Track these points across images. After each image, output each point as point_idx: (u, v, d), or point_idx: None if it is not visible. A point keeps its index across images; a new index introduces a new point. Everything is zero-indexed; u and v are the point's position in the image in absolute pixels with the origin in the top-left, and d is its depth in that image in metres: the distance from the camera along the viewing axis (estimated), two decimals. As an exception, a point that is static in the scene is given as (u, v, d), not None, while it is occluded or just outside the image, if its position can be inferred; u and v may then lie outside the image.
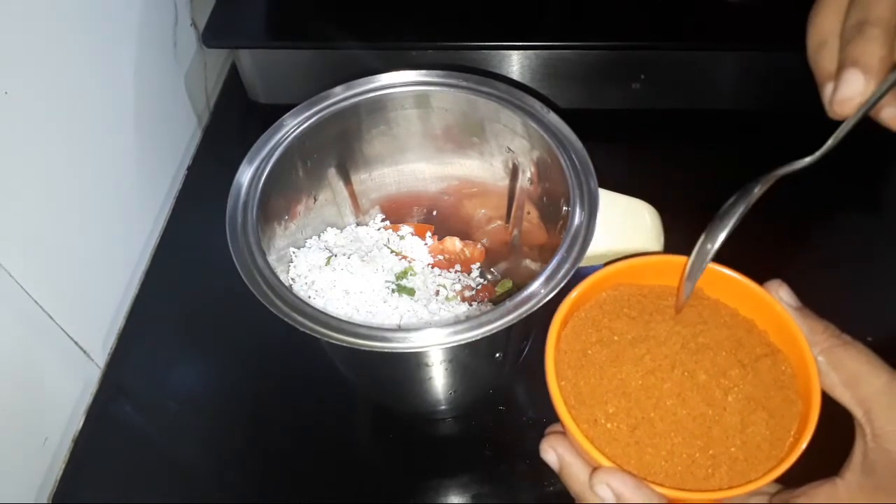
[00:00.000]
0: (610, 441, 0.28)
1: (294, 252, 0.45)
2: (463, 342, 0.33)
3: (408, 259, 0.48)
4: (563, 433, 0.30)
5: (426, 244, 0.50)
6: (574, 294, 0.31)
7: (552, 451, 0.29)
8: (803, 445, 0.27)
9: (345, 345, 0.33)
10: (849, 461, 0.27)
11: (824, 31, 0.29)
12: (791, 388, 0.29)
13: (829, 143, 0.29)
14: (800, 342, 0.28)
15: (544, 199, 0.43)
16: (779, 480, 0.28)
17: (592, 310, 0.32)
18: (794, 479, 0.28)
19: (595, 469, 0.27)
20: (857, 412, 0.27)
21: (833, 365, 0.28)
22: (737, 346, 0.30)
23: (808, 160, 0.29)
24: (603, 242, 0.37)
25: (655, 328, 0.31)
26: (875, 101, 0.27)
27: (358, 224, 0.50)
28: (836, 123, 0.29)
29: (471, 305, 0.46)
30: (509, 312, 0.34)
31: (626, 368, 0.30)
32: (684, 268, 0.31)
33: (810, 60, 0.29)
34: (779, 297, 0.30)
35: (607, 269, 0.32)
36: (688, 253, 0.31)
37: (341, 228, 0.49)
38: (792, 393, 0.29)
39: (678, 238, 0.39)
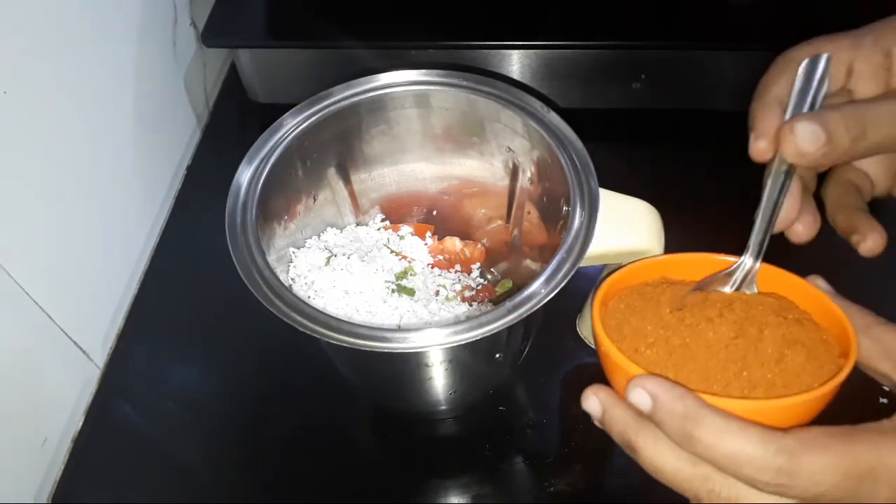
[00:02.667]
0: (648, 366, 0.29)
1: (294, 252, 0.45)
2: (463, 342, 0.33)
3: (408, 259, 0.48)
4: (602, 385, 0.31)
5: (426, 244, 0.50)
6: (617, 274, 0.34)
7: (594, 397, 0.30)
8: (844, 376, 0.28)
9: (345, 345, 0.33)
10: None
11: (774, 94, 0.34)
12: (832, 347, 0.30)
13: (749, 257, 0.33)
14: (840, 317, 0.30)
15: (544, 199, 0.43)
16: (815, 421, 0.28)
17: (636, 286, 0.34)
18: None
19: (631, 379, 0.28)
20: None
21: (872, 339, 0.29)
22: (780, 308, 0.31)
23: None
24: (603, 242, 0.37)
25: (699, 298, 0.33)
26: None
27: (358, 224, 0.50)
28: None
29: (471, 305, 0.46)
30: (509, 312, 0.34)
31: (665, 312, 0.32)
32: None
33: (752, 111, 0.35)
34: (818, 286, 0.32)
35: (645, 260, 0.34)
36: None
37: (341, 228, 0.49)
38: (833, 349, 0.30)
39: (678, 238, 0.39)
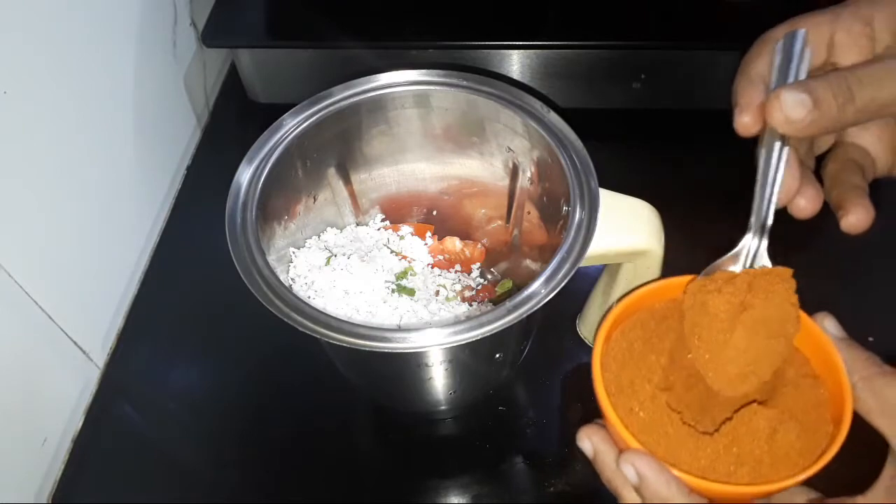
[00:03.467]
0: (642, 429, 0.30)
1: (294, 252, 0.45)
2: (463, 342, 0.33)
3: (408, 259, 0.48)
4: (600, 424, 0.32)
5: (426, 244, 0.50)
6: (628, 300, 0.33)
7: (587, 440, 0.31)
8: (829, 457, 0.28)
9: (345, 345, 0.33)
10: (876, 483, 0.28)
11: (756, 72, 0.33)
12: (826, 409, 0.30)
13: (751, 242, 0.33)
14: (839, 368, 0.30)
15: (544, 199, 0.43)
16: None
17: (643, 315, 0.34)
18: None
19: (623, 451, 0.29)
20: (892, 439, 0.28)
21: (872, 392, 0.29)
22: (781, 365, 0.31)
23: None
24: (603, 242, 0.37)
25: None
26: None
27: (358, 224, 0.50)
28: None
29: (471, 305, 0.46)
30: (509, 312, 0.34)
31: (664, 363, 0.32)
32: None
33: (735, 88, 0.34)
34: (824, 328, 0.31)
35: (660, 282, 0.34)
36: (693, 264, 0.33)
37: (341, 228, 0.49)
38: (826, 413, 0.30)
39: (678, 238, 0.39)
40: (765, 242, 0.32)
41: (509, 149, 0.44)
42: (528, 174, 0.44)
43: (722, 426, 0.30)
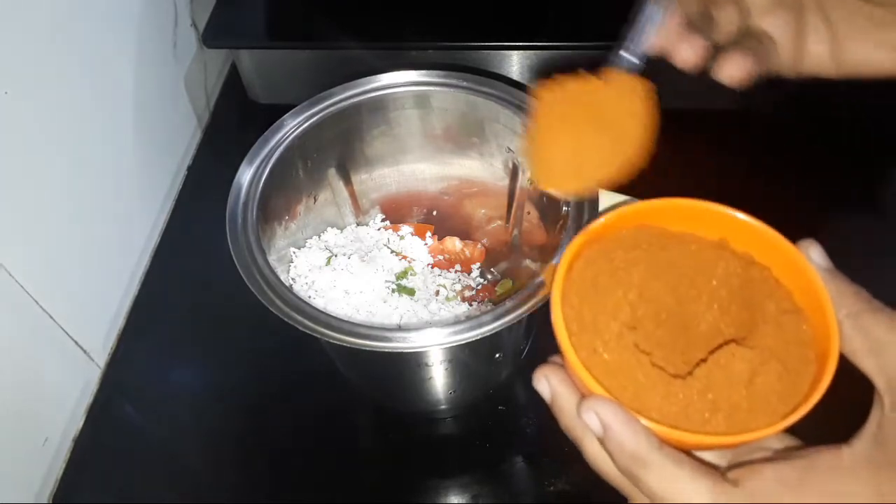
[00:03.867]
0: (606, 372, 0.27)
1: (294, 252, 0.45)
2: (463, 342, 0.33)
3: (408, 259, 0.48)
4: (560, 364, 0.28)
5: (426, 244, 0.50)
6: (592, 226, 0.30)
7: (545, 381, 0.28)
8: (811, 404, 0.25)
9: (345, 345, 0.33)
10: (861, 431, 0.25)
11: None
12: (810, 348, 0.27)
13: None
14: (824, 303, 0.27)
15: (544, 199, 0.43)
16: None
17: (609, 244, 0.30)
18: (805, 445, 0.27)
19: (585, 397, 0.26)
20: (879, 381, 0.25)
21: (859, 330, 0.26)
22: (760, 299, 0.29)
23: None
24: (603, 242, 0.37)
25: (672, 267, 0.30)
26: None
27: (358, 224, 0.50)
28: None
29: (471, 305, 0.46)
30: (509, 312, 0.34)
31: (631, 298, 0.29)
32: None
33: None
34: (809, 257, 0.28)
35: (630, 206, 0.31)
36: None
37: (341, 228, 0.49)
38: (811, 353, 0.27)
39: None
40: (630, 59, 0.33)
41: (509, 149, 0.44)
42: (528, 174, 0.44)
43: (696, 369, 0.27)
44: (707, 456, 0.28)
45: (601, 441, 0.26)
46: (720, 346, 0.27)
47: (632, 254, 0.30)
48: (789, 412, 0.25)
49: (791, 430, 0.26)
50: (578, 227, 0.37)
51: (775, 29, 0.33)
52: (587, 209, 0.37)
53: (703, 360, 0.27)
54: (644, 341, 0.28)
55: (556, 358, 0.29)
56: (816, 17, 0.32)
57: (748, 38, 0.32)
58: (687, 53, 0.33)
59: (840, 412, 0.26)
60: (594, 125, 0.28)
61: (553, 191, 0.28)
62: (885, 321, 0.26)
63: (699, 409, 0.26)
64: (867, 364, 0.26)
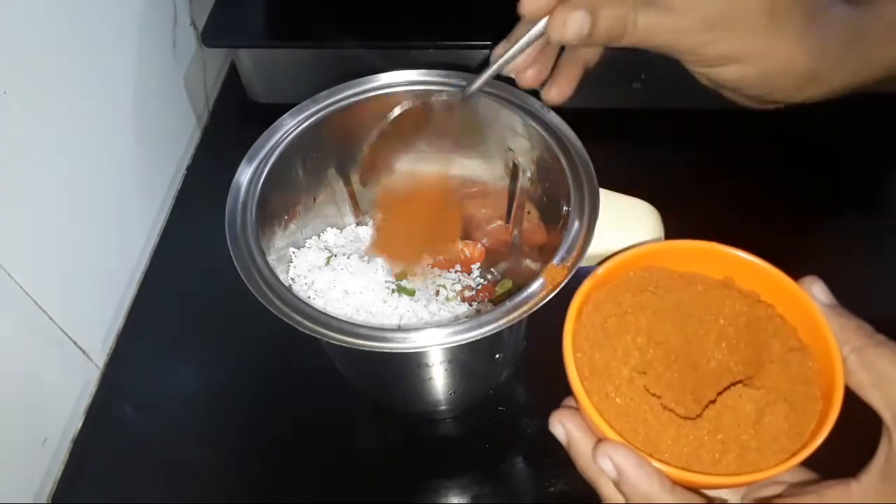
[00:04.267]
0: (619, 416, 0.28)
1: (294, 252, 0.45)
2: (463, 342, 0.33)
3: (408, 259, 0.48)
4: (574, 408, 0.30)
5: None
6: (600, 271, 0.31)
7: (560, 426, 0.29)
8: (818, 442, 0.26)
9: (345, 345, 0.33)
10: (870, 464, 0.26)
11: None
12: (816, 384, 0.28)
13: (479, 81, 0.38)
14: (828, 340, 0.28)
15: (544, 199, 0.43)
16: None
17: (617, 287, 0.32)
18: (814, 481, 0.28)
19: (599, 441, 0.27)
20: (886, 414, 0.26)
21: (863, 364, 0.27)
22: (766, 337, 0.30)
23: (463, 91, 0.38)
24: (603, 242, 0.37)
25: (679, 308, 0.31)
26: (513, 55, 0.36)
27: (358, 224, 0.50)
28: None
29: (471, 305, 0.46)
30: (509, 312, 0.34)
31: (640, 342, 0.30)
32: None
33: None
34: (812, 294, 0.29)
35: (637, 249, 0.32)
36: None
37: (341, 228, 0.49)
38: (816, 390, 0.28)
39: (678, 238, 0.39)
40: (483, 80, 0.37)
41: (509, 149, 0.44)
42: (528, 174, 0.44)
43: (705, 410, 0.28)
44: (720, 492, 0.29)
45: (615, 484, 0.27)
46: (729, 387, 0.29)
47: (639, 297, 0.31)
48: (797, 450, 0.26)
49: (803, 462, 0.27)
50: (579, 228, 0.37)
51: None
52: (588, 209, 0.37)
53: (713, 401, 0.28)
54: (654, 384, 0.29)
55: (569, 401, 0.30)
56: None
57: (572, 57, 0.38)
58: (531, 75, 0.37)
59: (851, 438, 0.27)
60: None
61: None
62: (887, 355, 0.27)
63: (710, 449, 0.27)
64: (873, 397, 0.27)
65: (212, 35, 0.60)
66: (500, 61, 0.36)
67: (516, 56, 0.36)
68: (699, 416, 0.28)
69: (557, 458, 0.45)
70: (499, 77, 0.42)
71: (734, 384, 0.29)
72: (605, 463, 0.26)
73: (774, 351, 0.29)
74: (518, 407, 0.49)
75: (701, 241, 0.32)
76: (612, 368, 0.29)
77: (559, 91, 0.38)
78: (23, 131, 0.43)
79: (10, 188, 0.42)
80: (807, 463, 0.27)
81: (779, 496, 0.27)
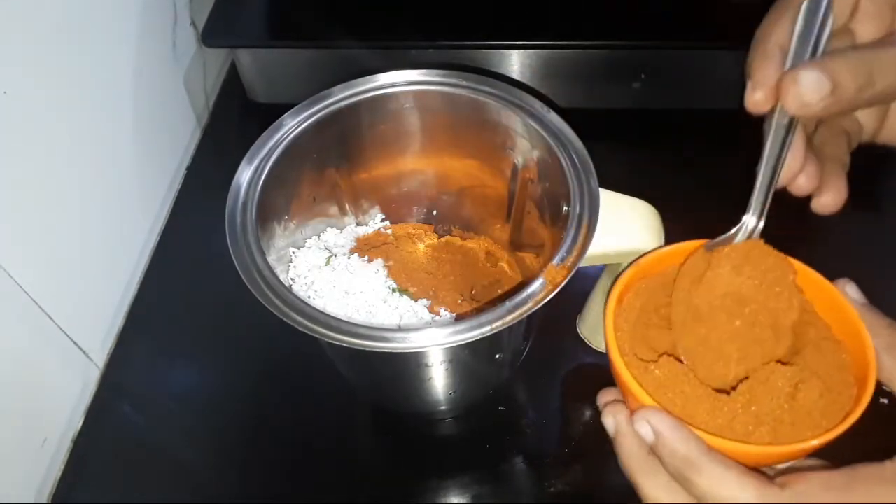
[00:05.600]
0: (657, 388, 0.29)
1: (294, 252, 0.45)
2: (463, 342, 0.33)
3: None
4: (622, 401, 0.30)
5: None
6: (643, 261, 0.33)
7: (612, 418, 0.30)
8: (855, 418, 0.27)
9: (345, 345, 0.33)
10: None
11: (774, 41, 0.31)
12: (849, 372, 0.29)
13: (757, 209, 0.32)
14: (861, 333, 0.29)
15: (544, 199, 0.43)
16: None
17: (655, 279, 0.33)
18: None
19: (638, 409, 0.28)
20: None
21: (894, 360, 0.28)
22: (803, 328, 0.30)
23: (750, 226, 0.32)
24: (603, 242, 0.37)
25: (723, 297, 0.31)
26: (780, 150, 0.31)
27: (358, 224, 0.50)
28: None
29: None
30: (509, 312, 0.34)
31: (680, 323, 0.31)
32: None
33: (751, 60, 0.32)
34: (845, 293, 0.30)
35: (678, 246, 0.33)
36: None
37: (341, 228, 0.49)
38: (849, 377, 0.29)
39: (678, 238, 0.39)
40: (762, 224, 0.31)
41: (509, 149, 0.44)
42: (528, 174, 0.44)
43: (740, 385, 0.29)
44: None
45: (653, 447, 0.27)
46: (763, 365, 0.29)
47: (681, 283, 0.32)
48: (833, 427, 0.27)
49: (829, 455, 0.27)
50: (579, 228, 0.37)
51: (864, 115, 0.34)
52: (588, 209, 0.37)
53: (746, 378, 0.29)
54: (691, 359, 0.30)
55: (605, 395, 0.31)
56: None
57: (836, 142, 0.33)
58: (804, 183, 0.32)
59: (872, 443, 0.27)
60: (747, 316, 0.30)
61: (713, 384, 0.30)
62: None
63: (743, 421, 0.28)
64: None
65: (212, 35, 0.60)
66: (762, 176, 0.31)
67: (779, 162, 0.31)
68: (733, 389, 0.29)
69: (557, 458, 0.46)
70: (510, 81, 0.42)
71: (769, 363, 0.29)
72: (642, 426, 0.27)
73: (809, 338, 0.30)
74: (518, 407, 0.49)
75: (746, 242, 0.32)
76: (652, 343, 0.30)
77: (833, 199, 0.32)
78: (23, 131, 0.43)
79: (10, 188, 0.42)
80: (831, 458, 0.27)
81: (810, 468, 0.27)
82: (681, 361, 0.30)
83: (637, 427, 0.27)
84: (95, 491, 0.47)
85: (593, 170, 0.39)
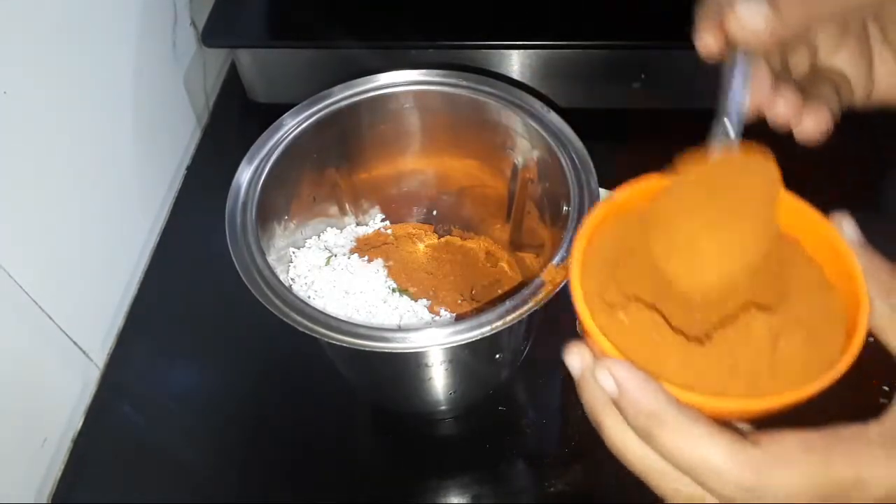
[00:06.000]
0: (623, 338, 0.26)
1: (294, 252, 0.45)
2: (463, 342, 0.33)
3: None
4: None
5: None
6: (612, 199, 0.30)
7: (577, 357, 0.27)
8: (840, 371, 0.24)
9: (345, 345, 0.33)
10: (889, 408, 0.24)
11: None
12: (838, 322, 0.26)
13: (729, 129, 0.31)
14: (855, 277, 0.26)
15: (544, 199, 0.43)
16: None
17: (628, 216, 0.30)
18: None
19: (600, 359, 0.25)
20: None
21: (891, 307, 0.25)
22: (789, 273, 0.28)
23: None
24: (603, 242, 0.37)
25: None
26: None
27: (358, 224, 0.50)
28: None
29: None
30: (509, 312, 0.34)
31: (651, 267, 0.28)
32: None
33: (697, 15, 0.31)
34: (841, 230, 0.27)
35: (648, 181, 0.30)
36: None
37: (341, 228, 0.49)
38: (838, 326, 0.26)
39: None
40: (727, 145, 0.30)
41: (509, 149, 0.44)
42: (528, 174, 0.44)
43: (716, 333, 0.26)
44: None
45: (616, 403, 0.25)
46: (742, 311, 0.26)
47: (642, 226, 0.29)
48: (815, 380, 0.24)
49: (809, 412, 0.24)
50: (578, 227, 0.37)
51: (847, 65, 0.32)
52: (588, 209, 0.37)
53: (723, 324, 0.26)
54: (663, 306, 0.27)
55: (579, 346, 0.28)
56: (882, 45, 0.32)
57: (821, 84, 0.32)
58: (782, 108, 0.31)
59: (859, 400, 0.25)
60: (729, 216, 0.27)
61: (688, 287, 0.27)
62: None
63: (717, 373, 0.25)
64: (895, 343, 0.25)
65: (212, 35, 0.60)
66: (731, 98, 0.31)
67: (741, 88, 0.30)
68: (708, 337, 0.26)
69: (557, 458, 0.46)
70: (510, 81, 0.42)
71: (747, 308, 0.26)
72: (605, 378, 0.25)
73: (795, 282, 0.27)
74: (518, 407, 0.49)
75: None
76: (623, 286, 0.27)
77: (815, 123, 0.31)
78: (23, 131, 0.43)
79: (10, 188, 0.42)
80: (811, 418, 0.24)
81: (789, 429, 0.24)
82: (654, 308, 0.27)
83: (599, 378, 0.25)
84: (95, 491, 0.47)
85: (593, 170, 0.39)
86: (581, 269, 0.28)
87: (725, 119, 0.31)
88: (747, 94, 0.30)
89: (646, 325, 0.26)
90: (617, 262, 0.28)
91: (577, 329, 0.28)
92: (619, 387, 0.24)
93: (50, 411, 0.47)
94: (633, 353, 0.25)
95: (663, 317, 0.27)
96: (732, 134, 0.31)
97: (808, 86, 0.32)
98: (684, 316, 0.27)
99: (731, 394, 0.24)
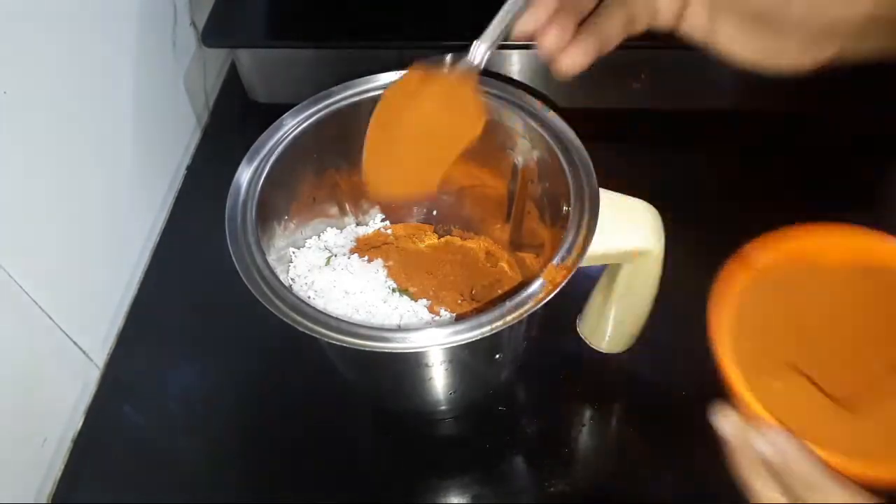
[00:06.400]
0: (777, 402, 0.27)
1: (294, 252, 0.45)
2: (463, 342, 0.33)
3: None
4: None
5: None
6: (747, 259, 0.31)
7: (728, 423, 0.28)
8: None
9: (345, 345, 0.33)
10: None
11: None
12: None
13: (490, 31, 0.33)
14: None
15: (544, 199, 0.43)
16: None
17: (756, 274, 0.31)
18: None
19: (757, 424, 0.27)
20: None
21: None
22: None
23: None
24: (603, 242, 0.37)
25: (837, 304, 0.30)
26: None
27: (358, 224, 0.50)
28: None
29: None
30: (509, 312, 0.34)
31: (792, 329, 0.29)
32: None
33: None
34: None
35: (779, 240, 0.31)
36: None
37: (341, 228, 0.49)
38: None
39: (678, 238, 0.39)
40: (488, 53, 0.32)
41: (509, 149, 0.44)
42: (528, 174, 0.44)
43: (866, 399, 0.27)
44: None
45: (773, 468, 0.26)
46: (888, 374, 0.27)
47: (782, 288, 0.30)
48: None
49: None
50: (579, 228, 0.37)
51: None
52: (588, 209, 0.37)
53: (871, 390, 0.27)
54: (811, 371, 0.28)
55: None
56: None
57: (600, 14, 0.32)
58: (550, 40, 0.31)
59: None
60: (422, 130, 0.28)
61: (380, 196, 0.28)
62: None
63: (874, 441, 0.26)
64: None
65: (212, 35, 0.60)
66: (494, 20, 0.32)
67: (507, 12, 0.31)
68: (859, 402, 0.27)
69: (557, 458, 0.46)
70: (510, 81, 0.42)
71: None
72: (767, 448, 0.26)
73: None
74: (518, 407, 0.49)
75: (839, 226, 0.30)
76: (769, 354, 0.28)
77: (572, 61, 0.31)
78: (23, 131, 0.43)
79: (9, 188, 0.42)
80: None
81: None
82: (802, 373, 0.28)
83: (757, 444, 0.26)
84: (95, 491, 0.47)
85: (593, 170, 0.39)
86: (727, 333, 0.29)
87: (477, 41, 0.33)
88: (510, 18, 0.32)
89: (798, 391, 0.27)
90: (761, 327, 0.29)
91: (724, 390, 0.29)
92: (782, 455, 0.26)
93: (50, 411, 0.47)
94: (786, 419, 0.26)
95: (812, 381, 0.28)
96: (477, 60, 0.33)
97: (599, 11, 0.32)
98: (831, 378, 0.28)
99: (877, 460, 0.25)
